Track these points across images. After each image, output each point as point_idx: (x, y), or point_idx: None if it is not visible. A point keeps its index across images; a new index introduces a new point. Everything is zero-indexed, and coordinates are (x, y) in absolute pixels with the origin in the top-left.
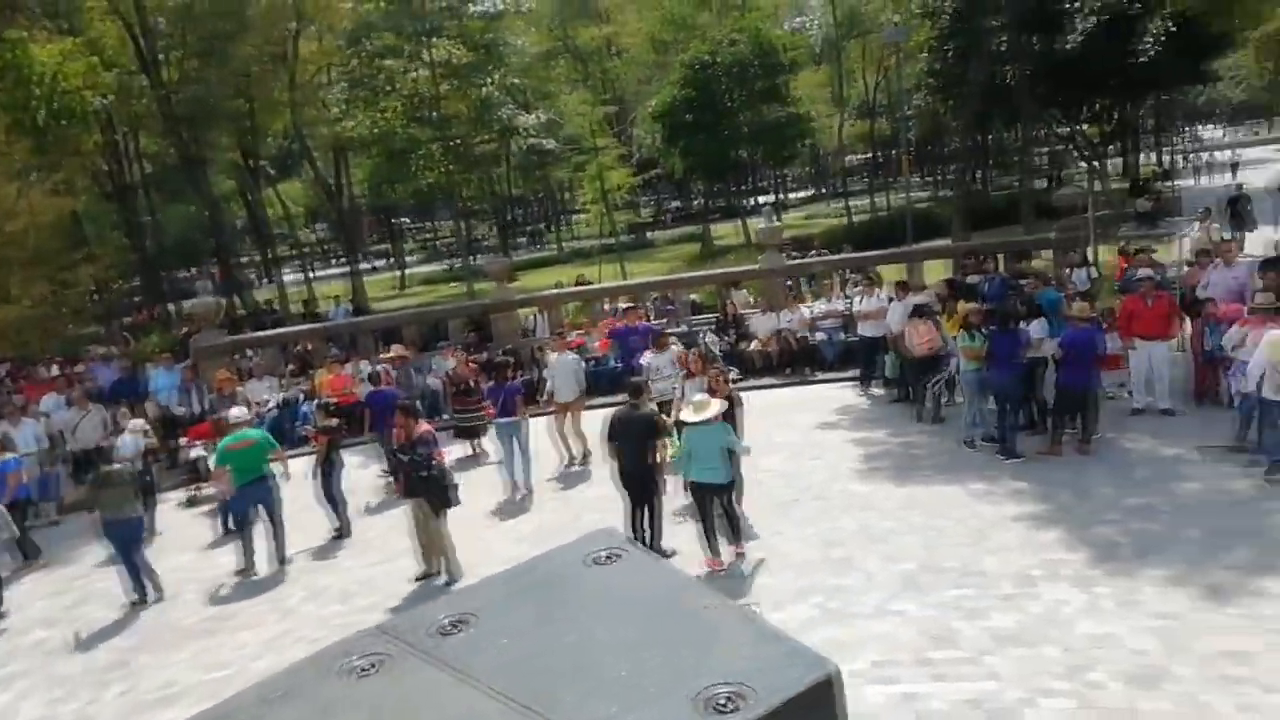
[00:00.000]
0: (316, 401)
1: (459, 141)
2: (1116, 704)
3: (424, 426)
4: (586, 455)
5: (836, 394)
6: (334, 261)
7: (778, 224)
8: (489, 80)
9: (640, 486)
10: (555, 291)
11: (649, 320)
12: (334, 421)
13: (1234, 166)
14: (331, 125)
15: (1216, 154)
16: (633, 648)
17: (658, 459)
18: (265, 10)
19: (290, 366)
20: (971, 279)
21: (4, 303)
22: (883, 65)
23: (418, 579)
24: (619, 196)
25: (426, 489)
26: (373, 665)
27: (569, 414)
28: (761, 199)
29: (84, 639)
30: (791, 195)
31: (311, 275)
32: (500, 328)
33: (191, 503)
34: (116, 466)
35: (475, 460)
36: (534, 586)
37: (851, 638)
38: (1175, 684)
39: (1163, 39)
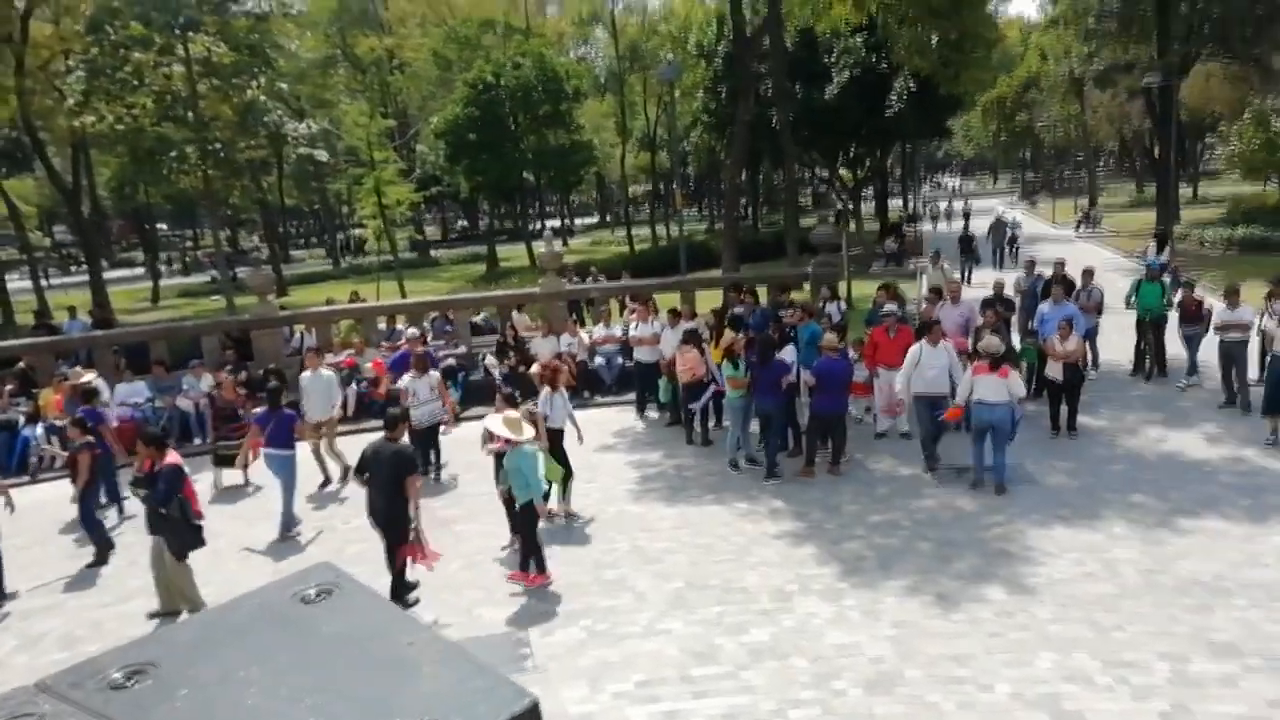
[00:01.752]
0: (46, 423)
1: (220, 145)
2: (856, 709)
3: (172, 457)
4: (347, 472)
5: (615, 417)
6: (74, 269)
7: (560, 248)
8: (255, 83)
9: (388, 524)
10: (325, 309)
11: (426, 342)
12: (91, 438)
13: (966, 215)
14: (69, 117)
15: (955, 203)
16: (324, 693)
17: (409, 496)
18: None
19: (9, 386)
20: (737, 309)
21: None
22: (662, 100)
23: (152, 616)
24: (400, 213)
25: (167, 529)
26: None
27: (322, 433)
28: (548, 223)
29: None
30: (578, 221)
31: (46, 283)
32: (262, 345)
33: None
34: None
35: (241, 490)
36: (233, 629)
37: (619, 658)
38: (906, 687)
39: (906, 96)
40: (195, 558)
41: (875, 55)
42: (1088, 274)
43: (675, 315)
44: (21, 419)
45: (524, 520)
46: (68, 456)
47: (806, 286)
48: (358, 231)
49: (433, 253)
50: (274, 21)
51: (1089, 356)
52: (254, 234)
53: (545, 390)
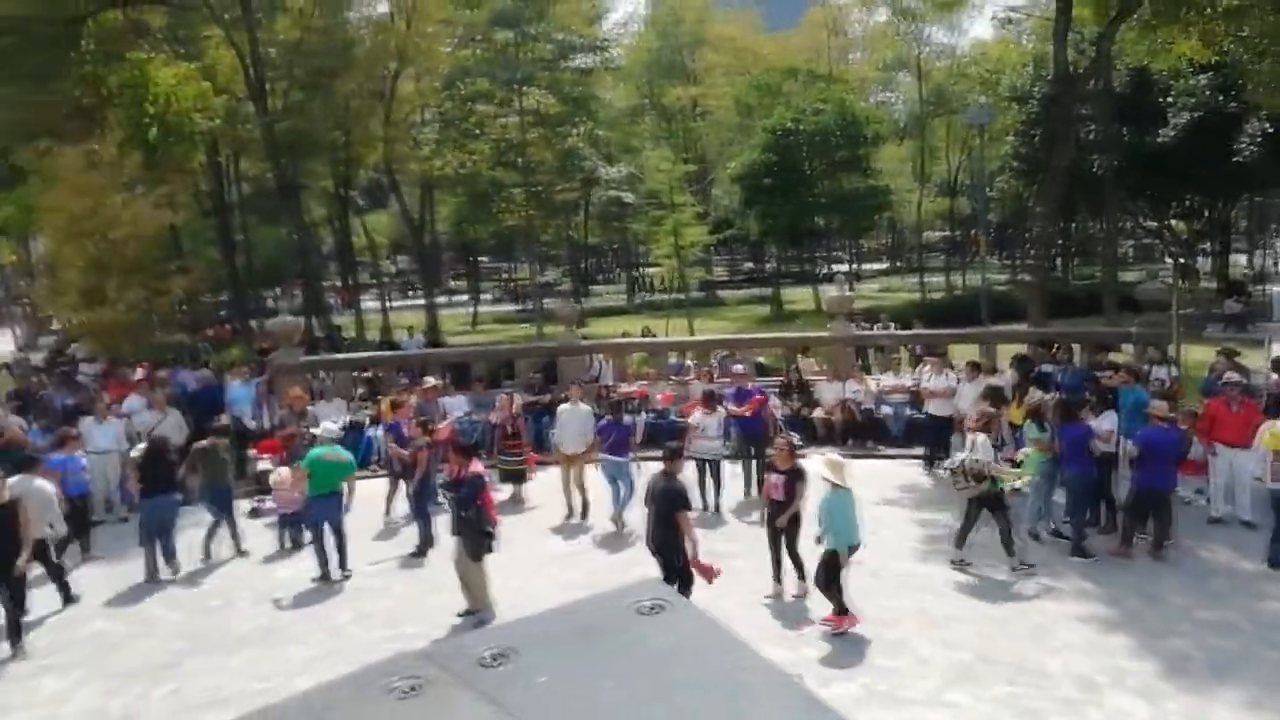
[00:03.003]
0: (385, 426)
1: (542, 188)
2: None
3: (476, 468)
4: (586, 508)
5: (900, 470)
6: (410, 293)
7: (850, 293)
8: (576, 131)
9: (659, 556)
10: (621, 340)
11: (711, 379)
12: (429, 438)
13: None
14: (421, 163)
15: None
16: (669, 702)
17: (683, 532)
18: (369, 50)
19: (360, 391)
20: (1046, 367)
21: (101, 306)
22: (967, 145)
23: (460, 615)
24: (692, 253)
25: (466, 530)
26: (413, 689)
27: (573, 466)
28: (835, 267)
29: (141, 635)
30: (866, 266)
31: (389, 305)
32: (566, 371)
33: (255, 513)
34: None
35: (517, 505)
36: (577, 629)
37: None
38: None
39: (1259, 139)
40: (494, 562)
41: (1222, 95)
42: None
43: (975, 369)
44: (367, 420)
45: (825, 566)
46: (409, 453)
47: (1127, 348)
48: (651, 269)
49: (719, 292)
50: (597, 75)
51: None
52: (559, 268)
53: (978, 437)
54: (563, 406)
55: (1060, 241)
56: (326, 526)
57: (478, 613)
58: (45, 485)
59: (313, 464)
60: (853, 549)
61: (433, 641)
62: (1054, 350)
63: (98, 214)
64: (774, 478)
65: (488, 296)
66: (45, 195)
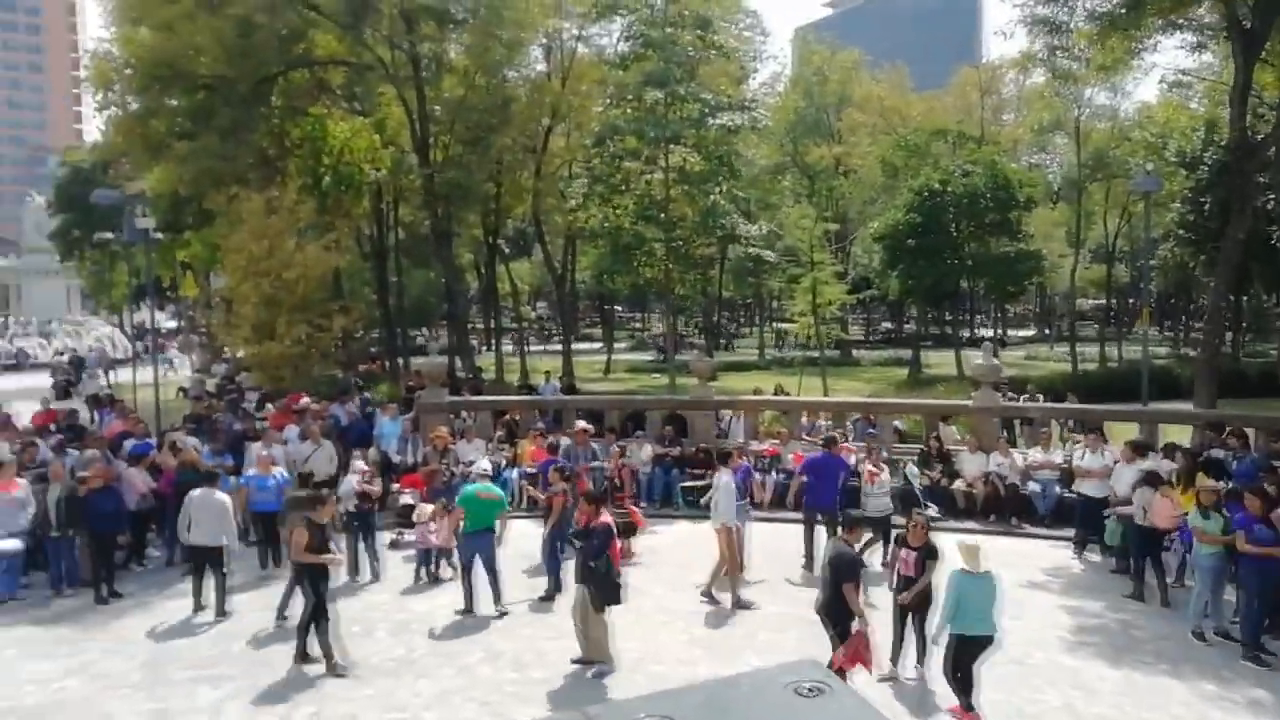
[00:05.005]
0: (520, 469)
1: (682, 243)
2: None
3: (604, 518)
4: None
5: (1047, 552)
6: (547, 338)
7: (997, 361)
8: (719, 189)
9: (827, 618)
10: (755, 398)
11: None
12: (566, 485)
13: None
14: (566, 215)
15: None
16: None
17: (852, 602)
18: (525, 107)
19: (499, 433)
20: (1215, 452)
21: (270, 340)
22: (1127, 210)
23: (575, 661)
24: (830, 311)
25: (593, 580)
26: None
27: (725, 534)
28: (980, 331)
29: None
30: (1011, 332)
31: (527, 349)
32: (697, 425)
33: (394, 545)
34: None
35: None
36: (734, 702)
37: None
38: None
39: None
40: (618, 614)
41: None
42: None
43: (1136, 449)
44: (504, 462)
45: (955, 656)
46: (545, 498)
47: None
48: (785, 326)
49: (855, 352)
50: (742, 134)
51: None
52: (692, 320)
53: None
54: (725, 476)
55: (1231, 316)
56: (478, 562)
57: (596, 663)
58: (223, 498)
59: (467, 501)
60: (984, 641)
61: (557, 690)
62: (1225, 434)
63: (274, 255)
64: (905, 553)
65: (621, 345)
66: (229, 237)
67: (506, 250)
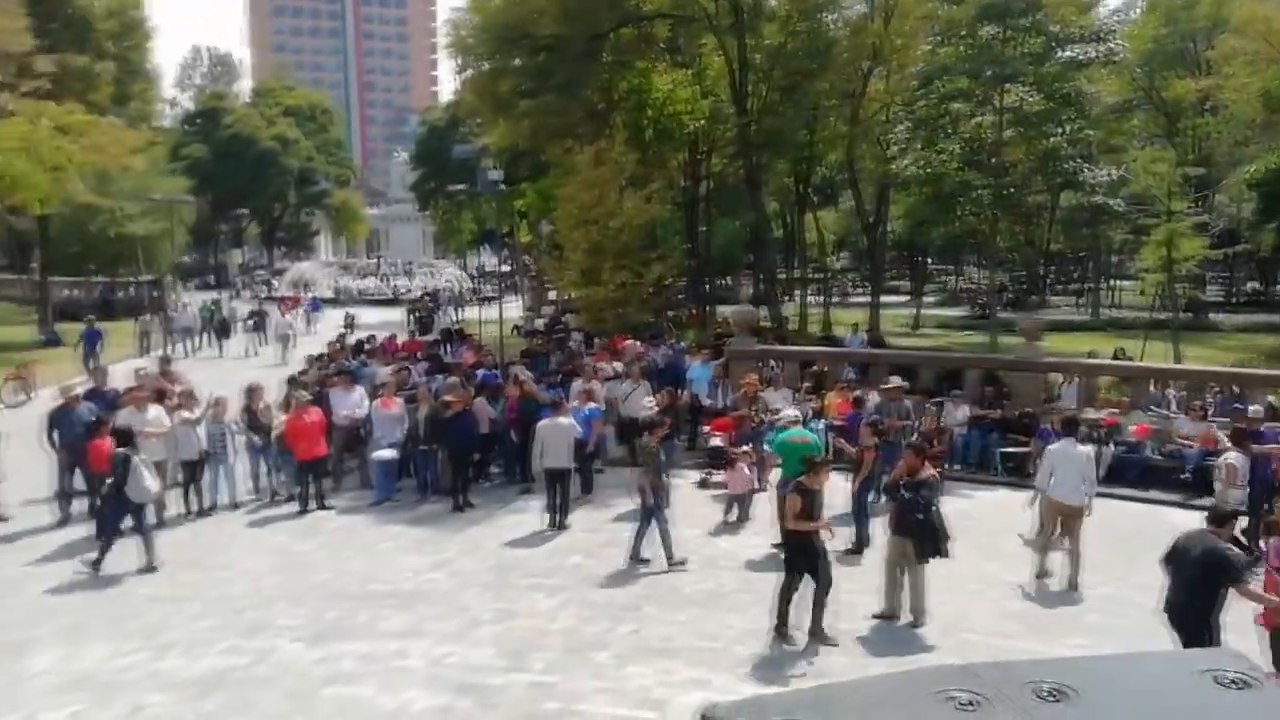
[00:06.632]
0: (827, 421)
1: (1013, 190)
2: None
3: (930, 470)
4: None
5: None
6: (846, 290)
7: None
8: (1060, 130)
9: (1181, 625)
10: (1092, 361)
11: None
12: (877, 440)
13: None
14: (883, 162)
15: None
16: None
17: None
18: (845, 50)
19: (805, 384)
20: None
21: (595, 285)
22: None
23: (875, 616)
24: (1187, 268)
25: (919, 532)
26: (972, 703)
27: (1070, 521)
28: None
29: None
30: None
31: (831, 300)
32: (1020, 388)
33: (703, 485)
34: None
35: (977, 525)
36: (1140, 681)
37: None
38: None
39: None
40: (929, 575)
41: None
42: None
43: None
44: (810, 413)
45: None
46: (856, 451)
47: None
48: (1124, 282)
49: (1213, 316)
50: (1092, 68)
51: None
52: (1011, 274)
53: None
54: (1056, 446)
55: None
56: None
57: (900, 619)
58: (570, 423)
59: (781, 447)
60: None
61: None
62: None
63: (601, 205)
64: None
65: (930, 299)
66: (563, 187)
67: (814, 199)
